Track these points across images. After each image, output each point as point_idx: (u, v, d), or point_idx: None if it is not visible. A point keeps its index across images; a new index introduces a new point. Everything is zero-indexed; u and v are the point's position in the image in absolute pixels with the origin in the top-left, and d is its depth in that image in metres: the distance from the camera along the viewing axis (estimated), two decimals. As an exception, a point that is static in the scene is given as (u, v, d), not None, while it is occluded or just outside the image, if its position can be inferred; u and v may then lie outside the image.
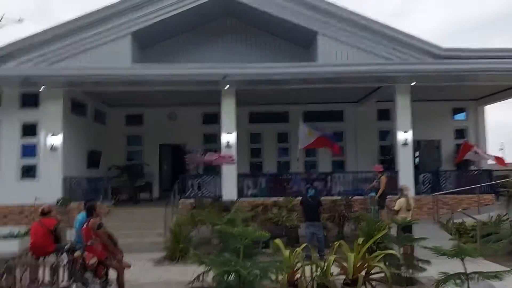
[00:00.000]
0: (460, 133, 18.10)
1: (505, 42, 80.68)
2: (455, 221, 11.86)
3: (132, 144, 18.20)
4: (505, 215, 11.96)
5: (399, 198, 9.55)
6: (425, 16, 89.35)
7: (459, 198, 13.55)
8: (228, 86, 13.30)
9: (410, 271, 7.33)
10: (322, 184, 14.05)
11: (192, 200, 13.22)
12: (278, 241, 7.34)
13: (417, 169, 16.17)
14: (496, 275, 5.03)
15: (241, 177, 14.02)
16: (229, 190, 13.30)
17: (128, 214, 13.06)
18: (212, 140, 16.81)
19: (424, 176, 14.34)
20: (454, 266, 5.51)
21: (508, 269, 5.15)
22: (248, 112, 17.73)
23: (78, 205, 11.10)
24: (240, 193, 13.66)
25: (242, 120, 16.28)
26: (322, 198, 13.15)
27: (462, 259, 5.34)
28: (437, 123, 17.73)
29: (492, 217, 11.97)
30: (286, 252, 7.00)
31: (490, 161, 15.80)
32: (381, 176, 11.82)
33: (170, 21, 14.21)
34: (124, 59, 13.71)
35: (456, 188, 13.89)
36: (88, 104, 15.80)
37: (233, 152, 13.39)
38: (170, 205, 11.76)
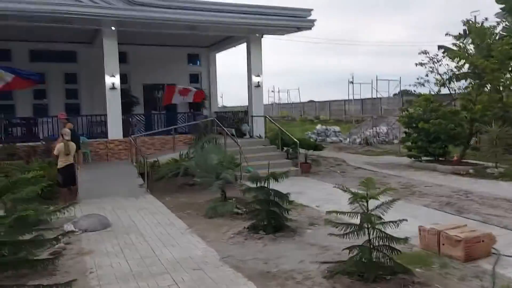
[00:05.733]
0: (195, 77, 19.50)
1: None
2: (151, 160, 12.96)
3: None
4: (192, 152, 13.53)
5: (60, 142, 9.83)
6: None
7: (167, 138, 14.70)
8: None
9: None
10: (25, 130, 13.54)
11: None
12: None
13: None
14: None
15: None
16: None
17: None
18: None
19: (134, 119, 15.08)
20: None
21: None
22: None
23: None
24: None
25: None
26: (23, 144, 12.92)
27: None
28: (173, 68, 18.55)
29: (182, 154, 13.45)
30: None
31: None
32: (66, 123, 11.75)
33: None
34: None
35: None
36: None
37: None
38: None
